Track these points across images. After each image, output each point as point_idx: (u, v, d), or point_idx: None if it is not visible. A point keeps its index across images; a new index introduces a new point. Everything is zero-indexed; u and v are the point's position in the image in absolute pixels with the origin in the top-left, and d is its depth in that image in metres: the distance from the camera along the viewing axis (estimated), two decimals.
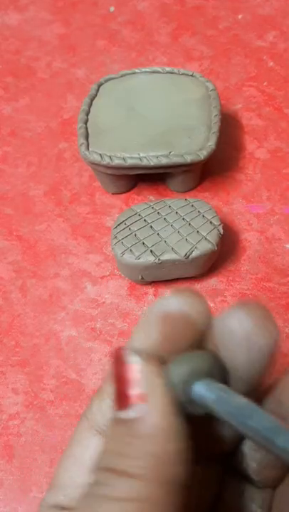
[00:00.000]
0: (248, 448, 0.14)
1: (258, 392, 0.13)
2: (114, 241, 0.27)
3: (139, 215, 0.28)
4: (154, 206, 0.28)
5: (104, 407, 0.13)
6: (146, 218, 0.28)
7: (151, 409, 0.11)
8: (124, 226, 0.28)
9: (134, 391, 0.11)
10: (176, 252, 0.26)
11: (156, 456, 0.11)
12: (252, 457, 0.14)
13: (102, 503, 0.11)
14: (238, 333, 0.12)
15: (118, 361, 0.12)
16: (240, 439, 0.14)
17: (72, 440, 0.13)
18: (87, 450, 0.13)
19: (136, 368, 0.12)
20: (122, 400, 0.12)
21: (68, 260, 0.31)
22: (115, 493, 0.11)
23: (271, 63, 0.40)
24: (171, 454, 0.11)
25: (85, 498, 0.11)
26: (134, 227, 0.28)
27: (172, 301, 0.13)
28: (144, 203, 0.29)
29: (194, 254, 0.26)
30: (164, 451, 0.11)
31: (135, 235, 0.27)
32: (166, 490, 0.11)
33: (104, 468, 0.11)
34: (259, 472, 0.14)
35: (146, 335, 0.12)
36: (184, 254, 0.26)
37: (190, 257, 0.26)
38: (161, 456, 0.11)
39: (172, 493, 0.11)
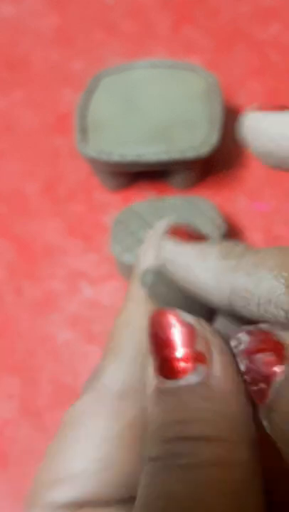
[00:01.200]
0: None
1: None
2: (113, 241, 0.27)
3: (139, 213, 0.28)
4: (153, 204, 0.28)
5: (113, 372, 0.12)
6: (145, 217, 0.27)
7: (215, 371, 0.11)
8: (124, 225, 0.27)
9: (191, 352, 0.11)
10: None
11: (233, 417, 0.10)
12: None
13: (188, 472, 0.10)
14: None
15: (163, 324, 0.11)
16: None
17: (73, 422, 0.12)
18: (96, 429, 0.12)
19: (188, 329, 0.11)
20: (173, 366, 0.11)
21: (65, 260, 0.30)
22: (201, 459, 0.10)
23: (275, 56, 0.39)
24: (246, 414, 0.11)
25: (159, 471, 0.10)
26: (133, 227, 0.27)
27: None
28: (143, 201, 0.29)
29: None
30: (239, 411, 0.10)
31: (135, 234, 0.27)
32: (252, 451, 0.10)
33: (175, 439, 0.10)
34: None
35: (157, 253, 0.12)
36: None
37: None
38: (238, 417, 0.10)
39: (256, 453, 0.10)
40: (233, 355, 0.11)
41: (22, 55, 0.41)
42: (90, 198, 0.33)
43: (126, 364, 0.13)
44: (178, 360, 0.11)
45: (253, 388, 0.11)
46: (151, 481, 0.10)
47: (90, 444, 0.12)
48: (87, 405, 0.12)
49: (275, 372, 0.10)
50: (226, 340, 0.11)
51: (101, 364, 0.13)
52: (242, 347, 0.11)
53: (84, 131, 0.30)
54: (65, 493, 0.12)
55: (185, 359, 0.11)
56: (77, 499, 0.12)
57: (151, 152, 0.28)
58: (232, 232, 0.30)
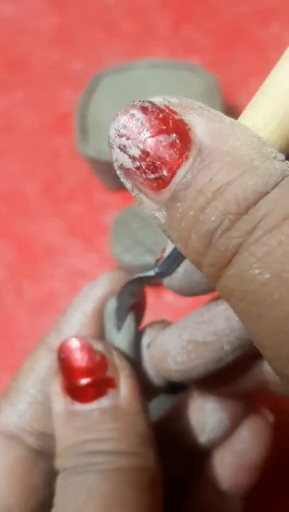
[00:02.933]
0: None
1: None
2: (113, 241, 0.27)
3: (138, 214, 0.28)
4: None
5: (61, 328, 0.14)
6: (145, 217, 0.27)
7: (123, 394, 0.12)
8: (124, 225, 0.27)
9: (102, 378, 0.12)
10: None
11: (141, 433, 0.12)
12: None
13: (106, 474, 0.11)
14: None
15: (86, 351, 0.12)
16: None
17: (27, 359, 0.14)
18: (39, 363, 0.14)
19: (100, 357, 0.12)
20: (85, 391, 0.12)
21: (64, 260, 0.30)
22: (117, 466, 0.11)
23: (275, 56, 0.39)
24: (150, 428, 0.12)
25: (76, 476, 0.12)
26: (133, 227, 0.27)
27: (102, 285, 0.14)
28: None
29: None
30: (145, 426, 0.12)
31: (134, 234, 0.27)
32: (156, 457, 0.12)
33: (90, 453, 0.12)
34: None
35: (83, 313, 0.14)
36: None
37: None
38: (145, 432, 0.12)
39: (158, 458, 0.12)
40: (137, 377, 0.12)
41: (22, 55, 0.41)
42: (89, 198, 0.32)
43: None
44: (90, 385, 0.12)
45: (149, 176, 0.09)
46: (68, 485, 0.11)
47: (33, 373, 0.14)
48: (40, 348, 0.14)
49: (181, 158, 0.09)
50: (131, 363, 0.12)
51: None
52: (138, 126, 0.10)
53: (84, 131, 0.30)
54: (10, 418, 0.13)
55: (98, 384, 0.12)
56: (20, 426, 0.13)
57: None
58: None
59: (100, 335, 0.14)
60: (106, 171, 0.30)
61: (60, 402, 0.12)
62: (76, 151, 0.34)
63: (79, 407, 0.12)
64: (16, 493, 0.13)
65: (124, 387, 0.12)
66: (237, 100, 0.37)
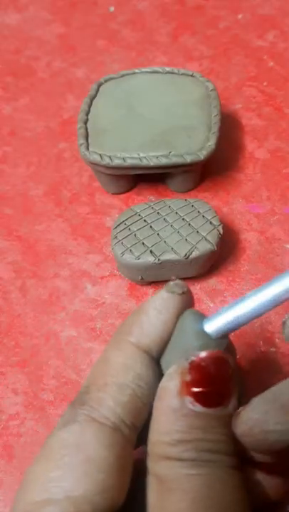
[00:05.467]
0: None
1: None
2: (114, 241, 0.27)
3: (139, 215, 0.28)
4: (154, 206, 0.28)
5: (147, 327, 0.15)
6: (146, 218, 0.28)
7: (232, 406, 0.13)
8: (124, 226, 0.28)
9: (229, 389, 0.13)
10: (175, 253, 0.26)
11: (233, 439, 0.14)
12: None
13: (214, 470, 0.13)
14: None
15: (224, 363, 0.14)
16: None
17: (111, 352, 0.16)
18: (135, 360, 0.15)
19: (230, 368, 0.14)
20: (208, 396, 0.13)
21: (68, 260, 0.31)
22: (223, 465, 0.13)
23: (271, 63, 0.40)
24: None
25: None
26: (134, 228, 0.27)
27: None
28: (144, 203, 0.29)
29: (194, 254, 0.26)
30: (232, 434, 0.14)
31: (135, 235, 0.27)
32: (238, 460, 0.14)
33: (206, 450, 0.13)
34: None
35: (166, 317, 0.15)
36: (183, 254, 0.26)
37: (190, 257, 0.26)
38: (234, 438, 0.14)
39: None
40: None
41: (26, 62, 0.42)
42: (92, 201, 0.33)
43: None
44: (216, 393, 0.13)
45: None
46: (185, 476, 0.13)
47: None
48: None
49: None
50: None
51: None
52: None
53: (86, 136, 0.31)
54: None
55: (222, 393, 0.13)
56: None
57: (151, 156, 0.29)
58: (228, 233, 0.31)
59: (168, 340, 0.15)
60: (107, 174, 0.31)
61: (176, 399, 0.14)
62: (79, 155, 0.35)
63: (201, 409, 0.13)
64: (119, 484, 0.14)
65: (234, 399, 0.13)
66: (234, 105, 0.37)
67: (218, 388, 0.13)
